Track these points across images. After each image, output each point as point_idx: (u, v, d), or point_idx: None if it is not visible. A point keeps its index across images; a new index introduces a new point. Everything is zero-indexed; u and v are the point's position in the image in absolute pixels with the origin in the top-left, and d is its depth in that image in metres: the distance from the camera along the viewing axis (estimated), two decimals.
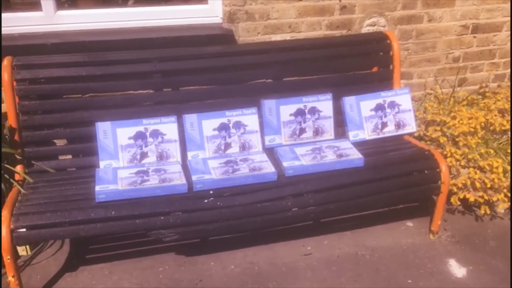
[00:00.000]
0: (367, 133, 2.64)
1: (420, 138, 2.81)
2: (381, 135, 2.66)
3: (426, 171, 2.41)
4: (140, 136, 2.35)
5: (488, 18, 3.19)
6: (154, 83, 2.44)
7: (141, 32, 2.69)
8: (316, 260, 2.41)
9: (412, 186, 2.39)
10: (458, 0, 3.07)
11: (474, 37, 3.23)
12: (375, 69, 2.80)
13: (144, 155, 2.35)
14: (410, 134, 2.71)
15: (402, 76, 3.08)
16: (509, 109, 2.91)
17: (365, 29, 2.98)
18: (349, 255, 2.45)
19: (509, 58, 3.37)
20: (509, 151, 2.63)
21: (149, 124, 2.36)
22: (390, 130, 2.67)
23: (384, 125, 2.66)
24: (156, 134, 2.36)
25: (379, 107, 2.66)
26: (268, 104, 2.51)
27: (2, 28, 2.58)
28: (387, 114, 2.66)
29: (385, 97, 2.67)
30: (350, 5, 2.89)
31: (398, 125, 2.67)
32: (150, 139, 2.35)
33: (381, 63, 2.78)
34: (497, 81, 3.43)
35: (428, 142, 2.78)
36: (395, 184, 2.34)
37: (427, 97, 3.22)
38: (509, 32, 3.27)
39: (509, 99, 3.02)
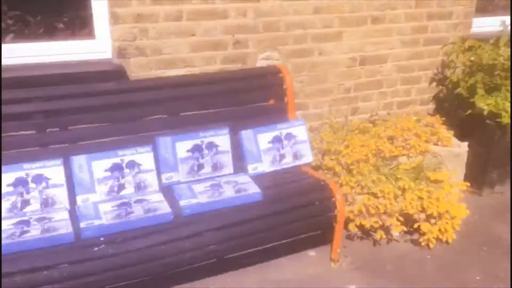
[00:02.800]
0: (266, 166, 2.64)
1: (318, 167, 2.87)
2: (280, 167, 2.68)
3: (322, 202, 2.45)
4: (20, 183, 2.14)
5: (373, 51, 3.40)
6: (36, 124, 2.26)
7: (22, 70, 2.50)
8: None
9: (310, 217, 2.42)
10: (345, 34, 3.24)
11: (362, 68, 3.41)
12: (272, 101, 2.84)
13: (25, 203, 2.14)
14: (307, 165, 2.76)
15: (299, 107, 3.15)
16: (397, 135, 3.08)
17: (259, 63, 3.03)
18: None
19: (396, 87, 3.61)
20: (398, 176, 2.77)
21: (30, 169, 2.16)
22: (287, 162, 2.70)
23: (282, 156, 2.69)
24: (39, 179, 2.17)
25: (276, 139, 2.68)
26: (164, 141, 2.43)
27: None
28: (284, 146, 2.69)
29: (281, 129, 2.71)
30: (243, 40, 2.93)
31: (296, 156, 2.72)
32: (32, 185, 2.16)
33: (276, 96, 2.83)
34: (386, 109, 3.65)
35: (325, 171, 2.85)
36: (293, 216, 2.35)
37: (323, 127, 3.33)
38: (393, 63, 3.51)
39: (397, 126, 3.19)
